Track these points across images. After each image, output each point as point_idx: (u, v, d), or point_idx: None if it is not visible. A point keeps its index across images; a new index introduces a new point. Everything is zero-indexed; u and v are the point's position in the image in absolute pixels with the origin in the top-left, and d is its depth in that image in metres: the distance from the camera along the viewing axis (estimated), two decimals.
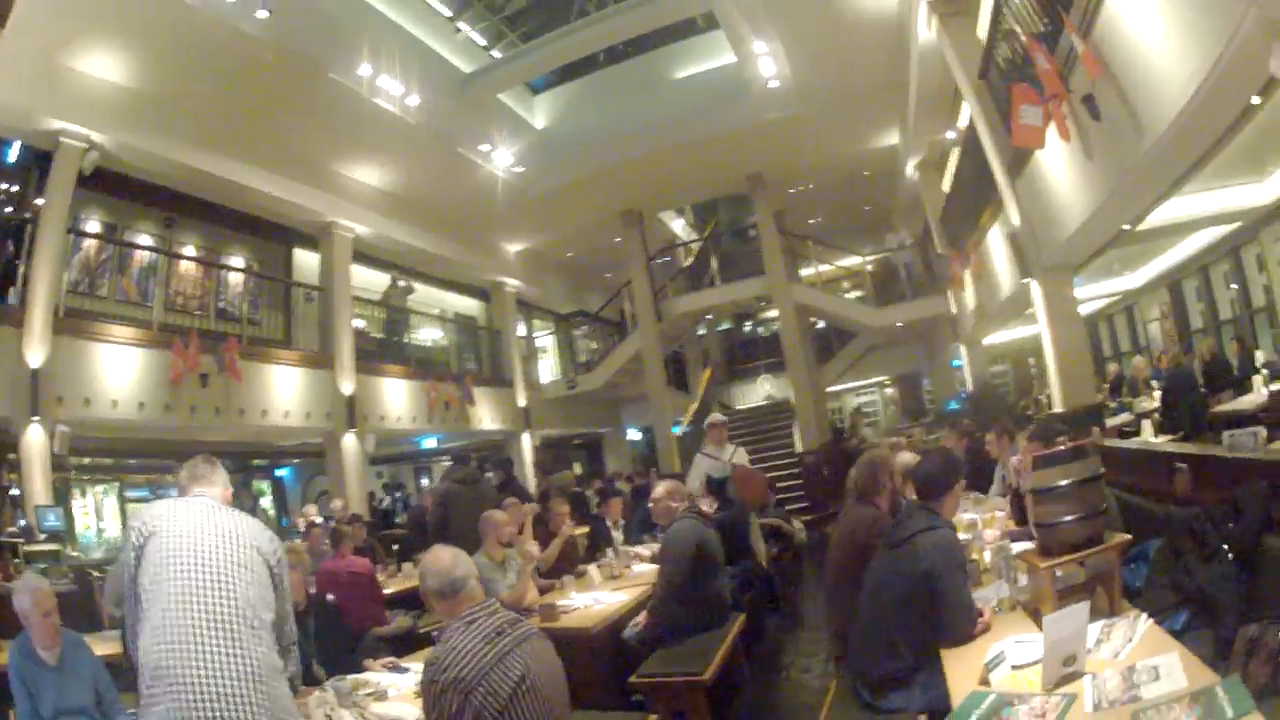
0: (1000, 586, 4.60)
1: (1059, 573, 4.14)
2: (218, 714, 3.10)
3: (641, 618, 6.44)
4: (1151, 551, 4.73)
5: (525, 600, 6.84)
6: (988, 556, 5.30)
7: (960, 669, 3.73)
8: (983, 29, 10.77)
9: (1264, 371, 10.84)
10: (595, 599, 6.99)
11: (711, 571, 6.44)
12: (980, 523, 6.48)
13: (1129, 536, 4.32)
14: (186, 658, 3.15)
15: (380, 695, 4.83)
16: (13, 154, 11.95)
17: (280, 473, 20.17)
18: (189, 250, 14.90)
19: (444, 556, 3.65)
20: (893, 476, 5.66)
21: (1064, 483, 4.03)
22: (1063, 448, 4.38)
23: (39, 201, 11.32)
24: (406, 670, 5.48)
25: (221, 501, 3.75)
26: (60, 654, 5.09)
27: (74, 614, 6.89)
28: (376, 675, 5.39)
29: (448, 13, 15.90)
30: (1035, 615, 4.14)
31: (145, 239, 14.19)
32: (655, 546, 8.77)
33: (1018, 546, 4.94)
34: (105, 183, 12.74)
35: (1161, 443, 8.48)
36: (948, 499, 4.62)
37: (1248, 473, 4.63)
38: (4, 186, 12.31)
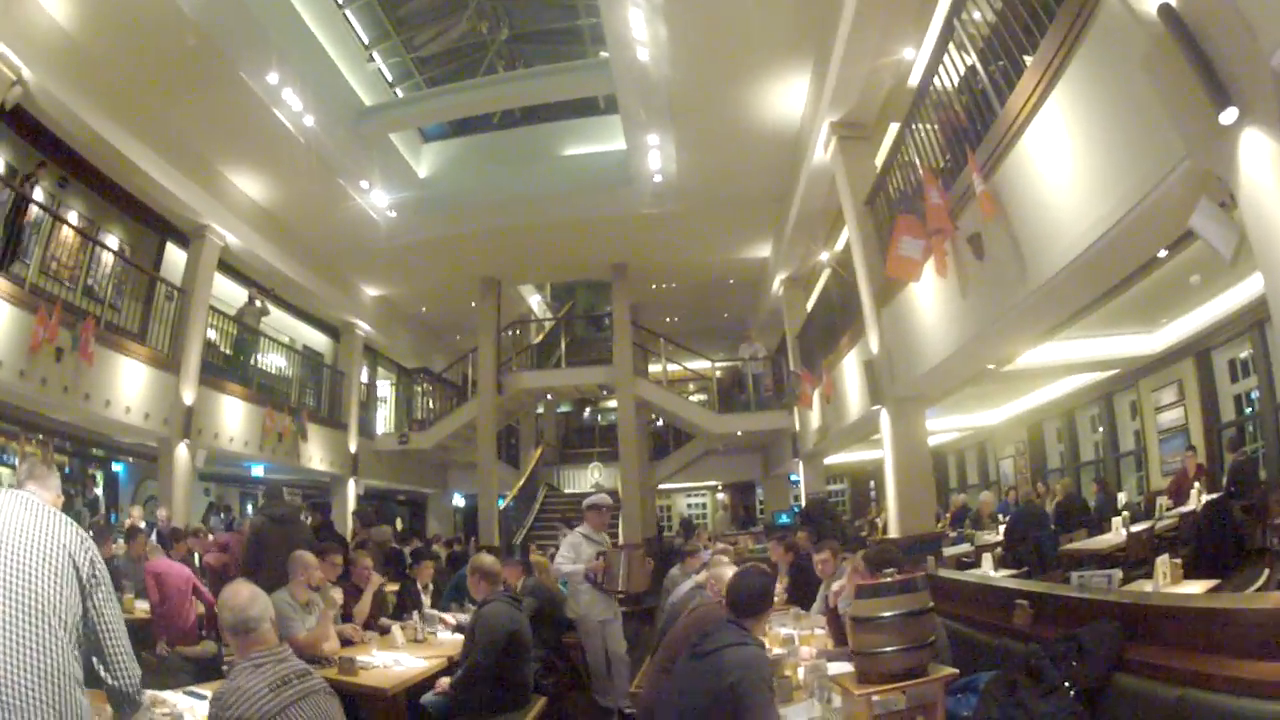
0: (811, 706, 4.69)
1: (877, 698, 4.22)
2: (6, 697, 3.08)
3: (443, 684, 6.34)
4: (981, 683, 4.72)
5: (325, 646, 6.73)
6: (801, 674, 5.30)
7: None
8: (881, 156, 11.18)
9: (1125, 513, 11.27)
10: (396, 659, 6.88)
11: (519, 657, 6.38)
12: (798, 639, 6.56)
13: (955, 671, 4.45)
14: None
15: (177, 717, 4.76)
16: None
17: (116, 467, 19.33)
18: (74, 216, 14.39)
19: (242, 593, 3.65)
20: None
21: (888, 614, 4.15)
22: (890, 579, 4.52)
23: None
24: (204, 697, 5.18)
25: (51, 504, 3.68)
26: None
27: None
28: (175, 696, 5.23)
29: (365, 39, 15.86)
30: None
31: (39, 193, 13.56)
32: (462, 616, 8.77)
33: (834, 667, 5.06)
34: (19, 124, 12.45)
35: (1001, 577, 8.73)
36: (760, 620, 4.67)
37: (1096, 612, 4.67)
38: None
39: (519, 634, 6.34)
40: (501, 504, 20.65)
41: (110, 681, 3.60)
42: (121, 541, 11.71)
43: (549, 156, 18.27)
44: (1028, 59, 6.34)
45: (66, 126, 12.38)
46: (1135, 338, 11.30)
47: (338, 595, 7.39)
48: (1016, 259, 6.66)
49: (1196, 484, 11.36)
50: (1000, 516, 14.25)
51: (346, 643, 7.40)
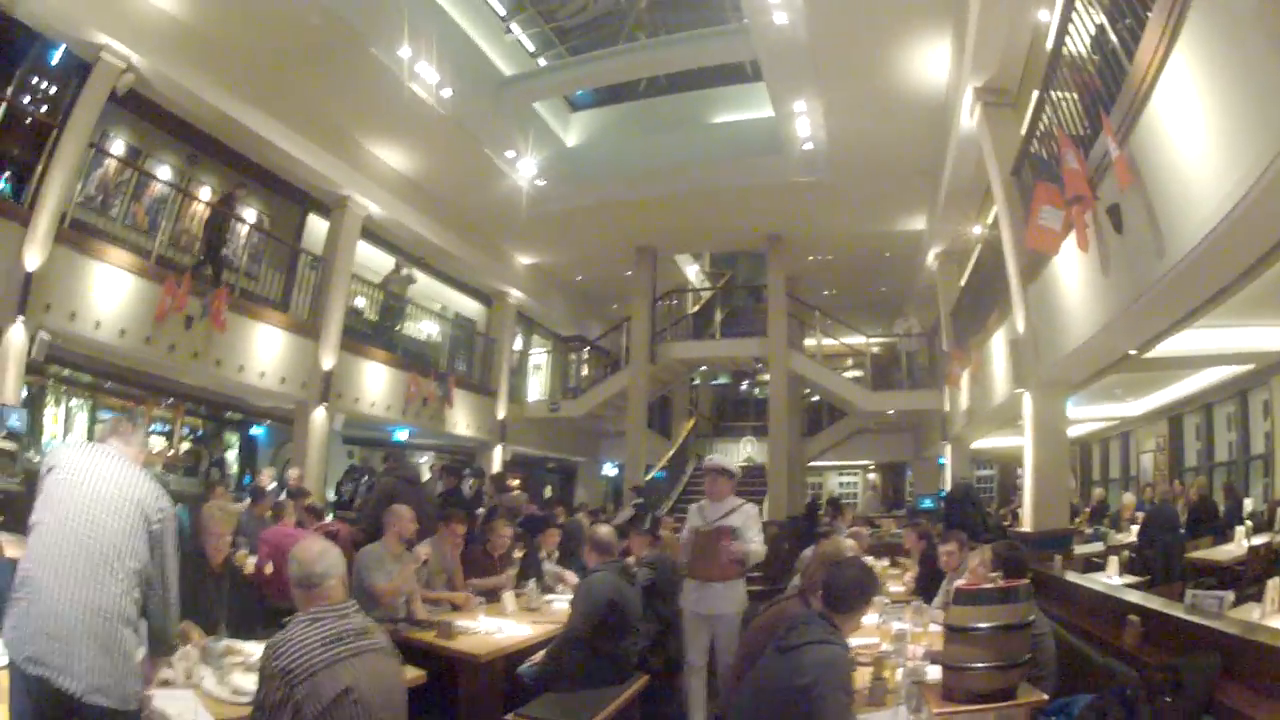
0: (900, 713, 4.30)
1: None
2: (53, 628, 3.48)
3: (538, 656, 6.15)
4: (1077, 710, 4.32)
5: (414, 606, 6.77)
6: (899, 675, 4.86)
7: None
8: (1026, 125, 10.55)
9: (1249, 523, 10.52)
10: (500, 627, 6.77)
11: (621, 630, 6.14)
12: (909, 636, 6.11)
13: (1044, 698, 4.03)
14: (47, 573, 3.58)
15: (250, 667, 4.57)
16: (56, 57, 12.01)
17: (255, 431, 19.96)
18: (206, 191, 14.88)
19: (313, 548, 3.60)
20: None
21: (983, 625, 3.74)
22: (990, 585, 4.10)
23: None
24: None
25: (132, 459, 4.02)
26: None
27: (16, 513, 7.29)
28: (253, 646, 5.04)
29: (502, 11, 15.82)
30: None
31: (166, 169, 14.25)
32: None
33: (935, 671, 4.61)
34: (138, 106, 12.88)
35: (1119, 585, 8.19)
36: (853, 617, 4.33)
37: (1201, 639, 4.30)
38: (43, 86, 12.39)
39: (622, 605, 6.15)
40: (648, 475, 20.43)
41: (150, 622, 3.97)
42: (248, 500, 11.99)
43: (698, 124, 18.02)
44: (1149, 15, 5.75)
45: (188, 106, 12.87)
46: (1270, 330, 10.33)
47: (423, 550, 7.34)
48: (1154, 233, 6.10)
49: None
50: (1139, 516, 13.44)
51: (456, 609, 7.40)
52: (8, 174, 11.74)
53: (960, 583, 6.08)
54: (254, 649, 4.94)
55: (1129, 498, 15.17)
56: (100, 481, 3.78)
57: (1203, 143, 5.30)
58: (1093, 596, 6.48)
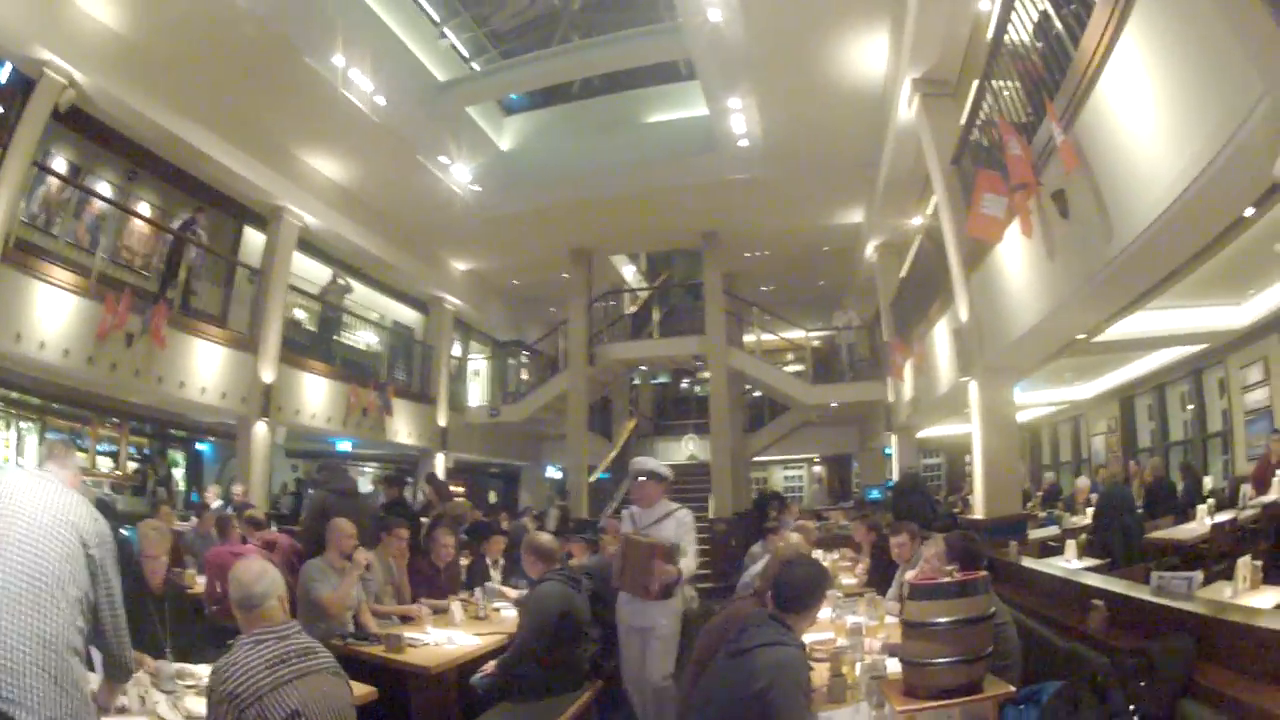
0: (861, 710, 4.27)
1: (920, 716, 3.85)
2: (3, 661, 3.15)
3: (490, 666, 6.03)
4: (1046, 696, 4.30)
5: (349, 611, 6.62)
6: (858, 671, 4.79)
7: None
8: (966, 114, 10.62)
9: (1210, 501, 10.63)
10: (449, 638, 6.71)
11: (572, 638, 6.06)
12: (865, 629, 6.09)
13: (1012, 690, 4.03)
14: None
15: (203, 691, 4.44)
16: (3, 74, 11.72)
17: (200, 447, 19.69)
18: (144, 207, 14.66)
19: (251, 568, 3.61)
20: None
21: (943, 620, 3.72)
22: (948, 579, 4.08)
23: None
24: None
25: (67, 484, 3.79)
26: None
27: None
28: (204, 669, 4.93)
29: (436, 17, 15.70)
30: None
31: (105, 186, 14.03)
32: (524, 590, 8.41)
33: (894, 665, 4.56)
34: (79, 123, 12.62)
35: (1080, 569, 8.22)
36: (806, 615, 4.29)
37: (1172, 622, 4.30)
38: None
39: (572, 615, 6.05)
40: (592, 476, 20.44)
41: (105, 649, 3.77)
42: (194, 519, 11.82)
43: (633, 124, 17.98)
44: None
45: (128, 122, 12.70)
46: (1222, 310, 10.45)
47: (361, 557, 6.94)
48: (1102, 217, 6.14)
49: (1279, 472, 10.49)
50: (1092, 498, 13.59)
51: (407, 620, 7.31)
52: None
53: (912, 575, 6.09)
54: (205, 672, 4.88)
55: (1083, 481, 15.31)
56: (37, 509, 3.53)
57: (1152, 124, 5.33)
58: (1053, 582, 6.50)
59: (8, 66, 11.37)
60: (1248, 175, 4.65)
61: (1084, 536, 11.01)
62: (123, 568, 5.47)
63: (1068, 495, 15.08)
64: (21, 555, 3.38)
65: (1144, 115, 5.41)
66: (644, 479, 6.94)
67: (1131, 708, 3.75)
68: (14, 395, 14.47)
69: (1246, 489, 10.87)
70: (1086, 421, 19.75)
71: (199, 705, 4.34)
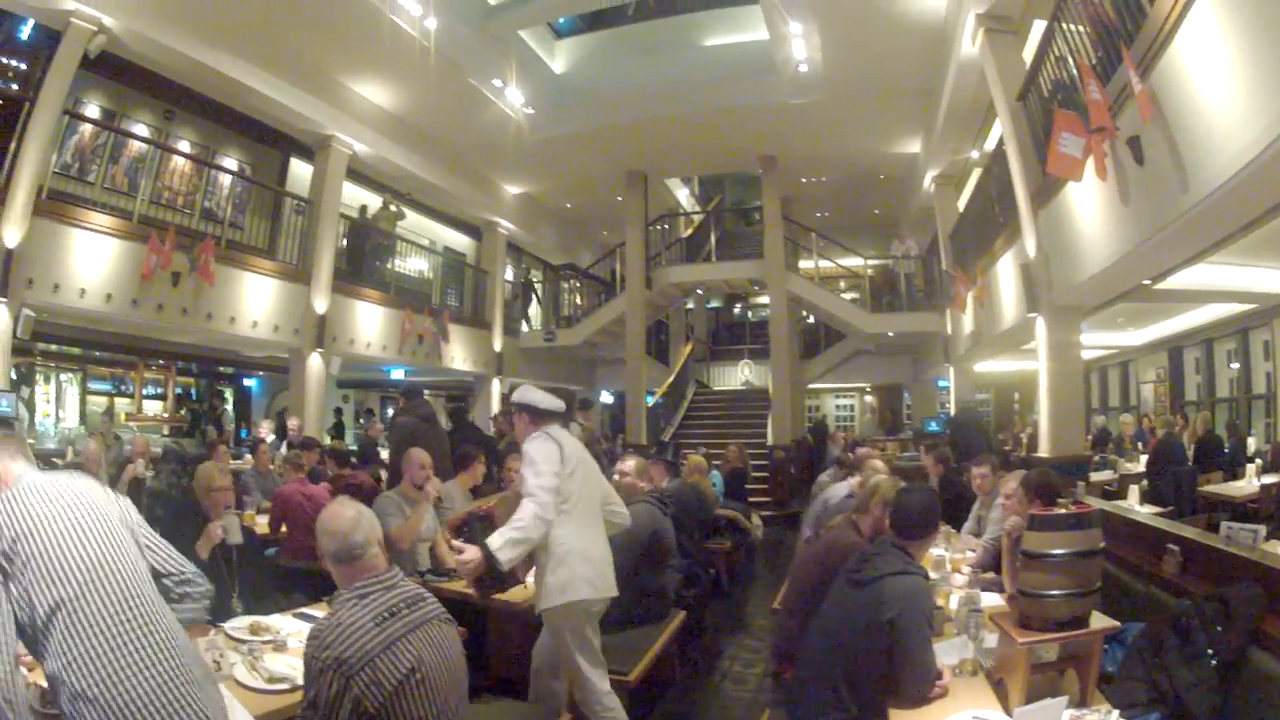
0: (963, 643, 4.23)
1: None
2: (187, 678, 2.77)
3: None
4: (1130, 636, 4.34)
5: (426, 544, 6.54)
6: (954, 603, 4.84)
7: None
8: (1029, 51, 10.37)
9: (1258, 461, 10.50)
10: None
11: (659, 564, 6.07)
12: (949, 562, 6.07)
13: (1117, 624, 3.94)
14: (117, 679, 2.63)
15: (280, 645, 4.37)
16: (25, 32, 11.95)
17: (248, 383, 19.90)
18: (185, 145, 14.70)
19: (345, 514, 3.18)
20: (885, 506, 5.00)
21: (1059, 552, 3.62)
22: (1064, 511, 3.98)
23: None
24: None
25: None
26: None
27: None
28: (281, 620, 4.85)
29: None
30: (998, 685, 3.80)
31: (143, 128, 14.04)
32: None
33: (986, 598, 4.61)
34: (110, 68, 12.63)
35: (1149, 514, 8.09)
36: (925, 544, 4.28)
37: (1242, 571, 4.27)
38: (13, 65, 12.34)
39: (661, 535, 6.09)
40: (650, 401, 20.45)
41: (192, 606, 3.27)
42: (247, 455, 11.84)
43: (689, 47, 17.60)
44: None
45: (162, 61, 12.53)
46: (1273, 271, 10.25)
47: (432, 487, 6.76)
48: (1177, 167, 6.06)
49: None
50: (1139, 445, 13.41)
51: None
52: None
53: (1003, 505, 6.00)
54: (281, 623, 4.79)
55: (1127, 417, 15.24)
56: (97, 531, 2.87)
57: (1228, 87, 5.29)
58: (1130, 525, 6.39)
59: (30, 23, 11.44)
60: None
61: (1143, 484, 10.90)
62: (190, 517, 5.48)
63: (1117, 436, 14.92)
64: (116, 580, 2.78)
65: (1221, 73, 5.34)
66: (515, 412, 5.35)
67: (1209, 650, 3.77)
68: (53, 348, 14.68)
69: None
70: (1136, 368, 19.64)
71: (278, 664, 4.01)
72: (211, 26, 12.33)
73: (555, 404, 5.23)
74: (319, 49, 14.12)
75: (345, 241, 17.03)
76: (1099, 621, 3.73)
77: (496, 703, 4.72)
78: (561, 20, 18.06)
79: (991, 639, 4.15)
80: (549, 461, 4.78)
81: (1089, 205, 8.37)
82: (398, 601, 3.05)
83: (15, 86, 11.93)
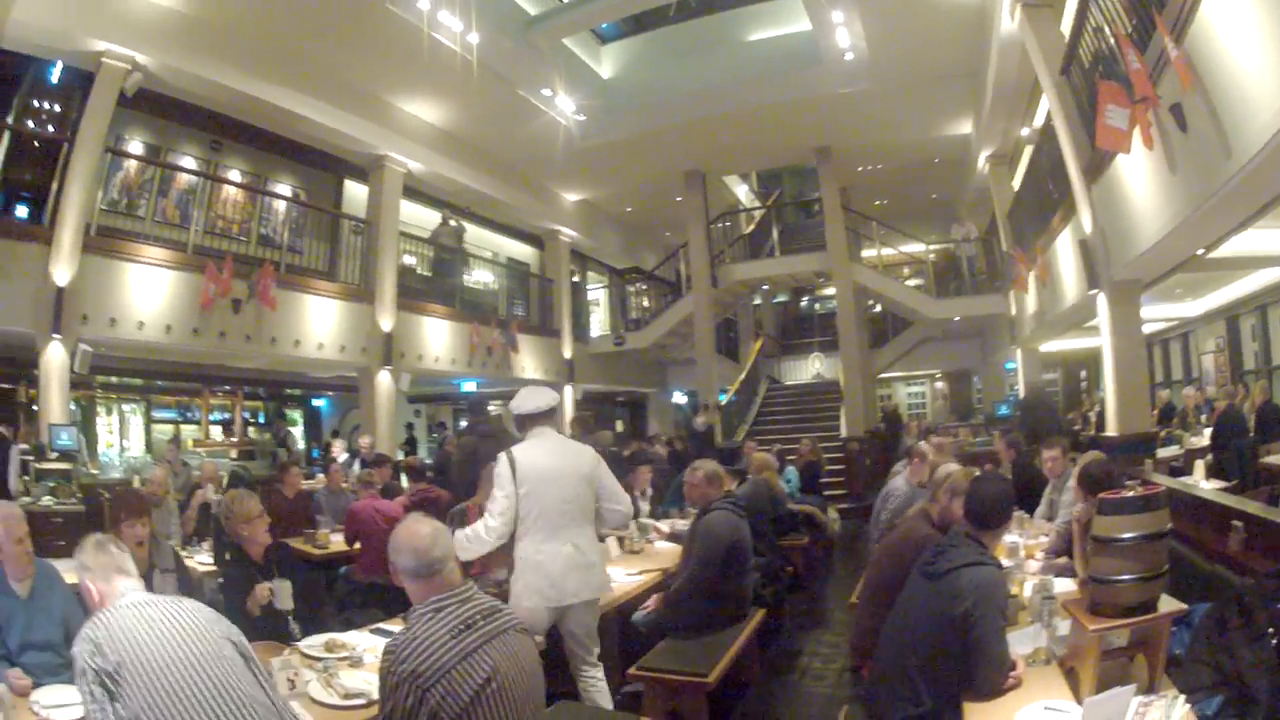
0: (1037, 632, 4.21)
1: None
2: None
3: (653, 601, 6.04)
4: (1197, 618, 4.17)
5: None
6: (1028, 590, 4.79)
7: None
8: (1067, 24, 10.23)
9: None
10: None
11: (740, 568, 6.08)
12: (1023, 549, 6.04)
13: (1185, 608, 3.90)
14: None
15: (356, 661, 4.40)
16: (55, 74, 12.09)
17: (317, 403, 20.17)
18: (235, 175, 14.96)
19: (422, 532, 3.20)
20: (953, 494, 5.03)
21: (1128, 535, 3.61)
22: (1132, 494, 3.95)
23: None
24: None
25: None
26: (32, 586, 4.63)
27: (79, 532, 6.85)
28: (358, 636, 4.90)
29: None
30: (1070, 673, 3.77)
31: (189, 161, 14.26)
32: (679, 523, 8.40)
33: (1060, 584, 4.59)
34: (150, 103, 12.80)
35: (1213, 490, 7.92)
36: (999, 534, 4.27)
37: None
38: (46, 105, 12.55)
39: (741, 544, 6.07)
40: (723, 399, 20.44)
41: None
42: (319, 475, 12.00)
43: (733, 44, 17.57)
44: None
45: (202, 94, 12.84)
46: None
47: None
48: (1218, 132, 5.97)
49: None
50: (1202, 417, 13.17)
51: None
52: (24, 199, 11.95)
53: (1071, 502, 5.95)
54: (357, 639, 4.82)
55: (1191, 390, 15.06)
56: (195, 659, 2.89)
57: (1258, 49, 5.24)
58: (1194, 502, 6.33)
59: (59, 66, 11.66)
60: None
61: (1209, 458, 10.72)
62: (226, 548, 5.55)
63: (1181, 410, 14.69)
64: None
65: (1250, 34, 5.30)
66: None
67: (1270, 630, 3.58)
68: (113, 380, 14.89)
69: None
70: (1196, 339, 19.25)
71: (353, 680, 4.04)
72: (250, 57, 12.62)
73: (536, 406, 5.46)
74: (363, 71, 14.33)
75: (431, 259, 17.33)
76: (1167, 605, 3.70)
77: (571, 707, 4.76)
78: (604, 26, 18.06)
79: (1064, 626, 4.11)
80: (500, 485, 5.18)
81: (1139, 177, 8.24)
82: (473, 614, 3.09)
83: (51, 128, 12.25)
